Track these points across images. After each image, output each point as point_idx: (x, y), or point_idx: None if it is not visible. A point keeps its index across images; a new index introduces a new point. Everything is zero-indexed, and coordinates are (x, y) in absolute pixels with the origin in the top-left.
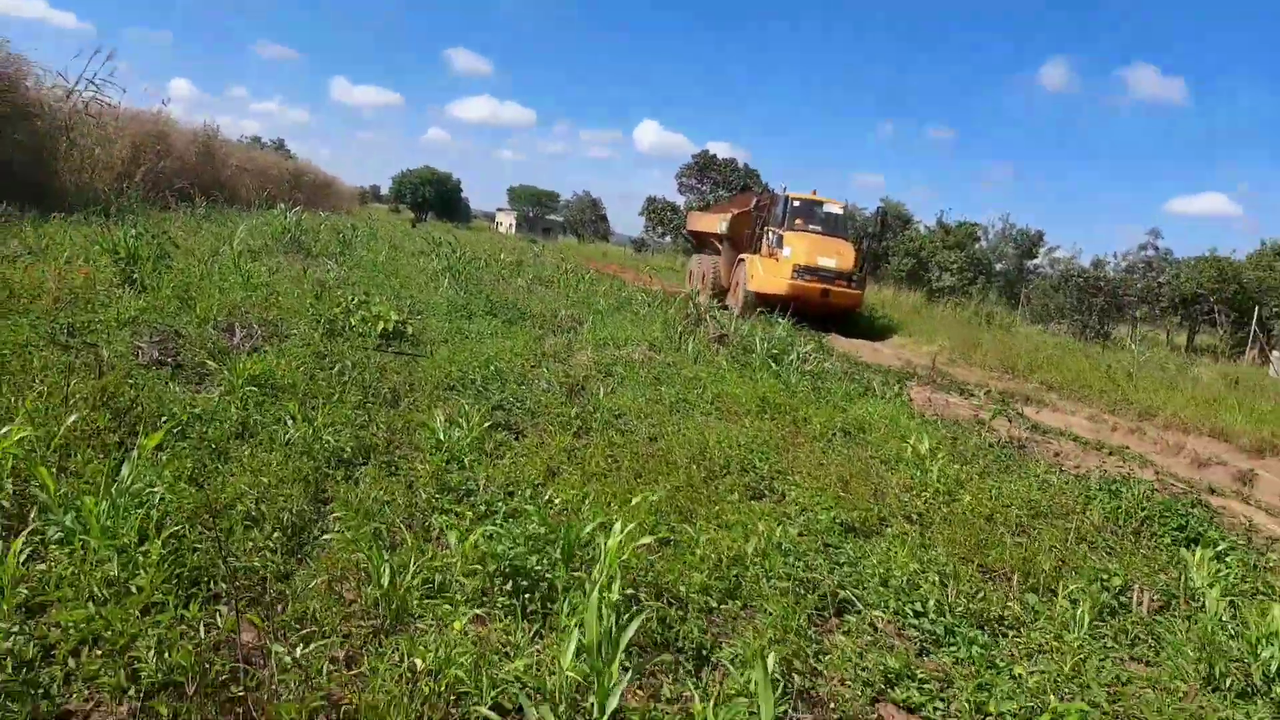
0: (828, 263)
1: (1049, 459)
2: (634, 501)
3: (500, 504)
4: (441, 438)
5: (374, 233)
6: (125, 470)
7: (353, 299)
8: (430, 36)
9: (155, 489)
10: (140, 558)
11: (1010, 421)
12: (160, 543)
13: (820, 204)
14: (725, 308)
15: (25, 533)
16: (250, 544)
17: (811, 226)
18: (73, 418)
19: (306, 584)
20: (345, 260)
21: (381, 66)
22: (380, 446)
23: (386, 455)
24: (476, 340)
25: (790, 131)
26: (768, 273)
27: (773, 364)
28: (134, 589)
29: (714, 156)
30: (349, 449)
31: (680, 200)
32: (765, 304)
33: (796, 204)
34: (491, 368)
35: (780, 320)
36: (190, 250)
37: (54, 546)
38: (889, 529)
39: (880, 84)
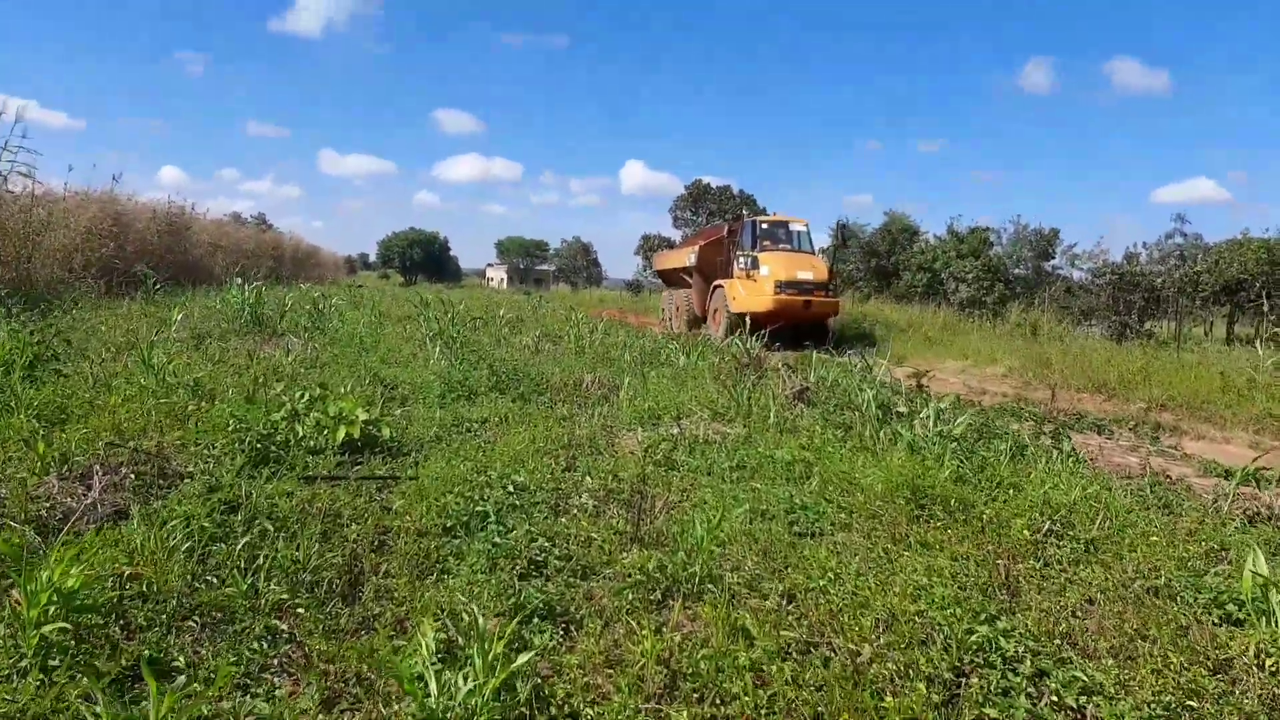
0: (805, 275)
1: None
2: None
3: None
4: (433, 692)
5: (357, 299)
6: None
7: (301, 395)
8: (418, 99)
9: None
10: None
11: (1264, 485)
12: None
13: (786, 224)
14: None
15: None
16: None
17: (780, 245)
18: None
19: None
20: (316, 336)
21: (370, 134)
22: None
23: None
24: (481, 434)
25: (776, 160)
26: (750, 293)
27: (893, 426)
28: None
29: (708, 186)
30: None
31: (677, 235)
32: (750, 324)
33: (764, 226)
34: (507, 485)
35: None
36: (105, 346)
37: None
38: None
39: (862, 104)
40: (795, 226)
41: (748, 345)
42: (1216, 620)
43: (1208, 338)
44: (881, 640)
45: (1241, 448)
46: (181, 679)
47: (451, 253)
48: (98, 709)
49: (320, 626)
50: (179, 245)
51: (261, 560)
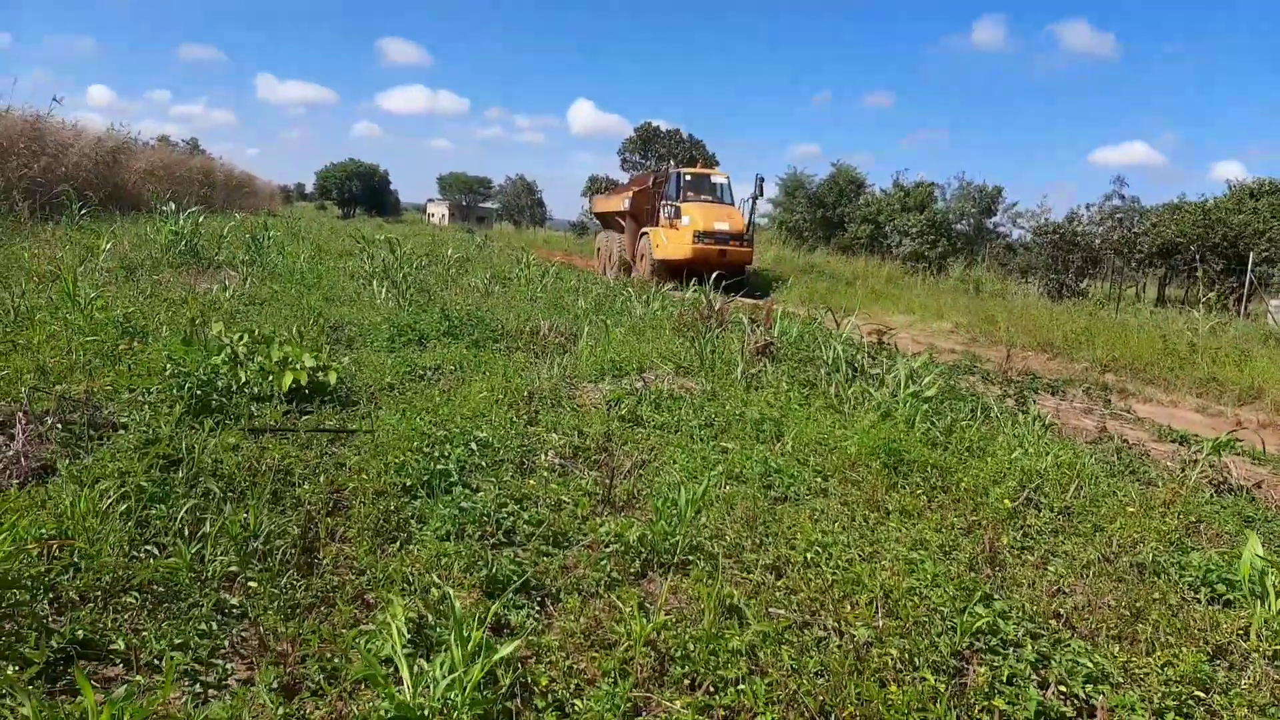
0: (722, 226)
1: None
2: None
3: None
4: (406, 684)
5: (296, 233)
6: None
7: (241, 338)
8: (362, 26)
9: None
10: None
11: (1222, 455)
12: None
13: (708, 176)
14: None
15: None
16: None
17: (703, 196)
18: None
19: None
20: (256, 270)
21: (310, 61)
22: None
23: None
24: (436, 383)
25: (728, 107)
26: (671, 241)
27: (861, 385)
28: None
29: (657, 129)
30: None
31: (625, 177)
32: (670, 270)
33: (688, 178)
34: (470, 441)
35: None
36: (27, 275)
37: None
38: None
39: (816, 55)
40: (717, 179)
41: (709, 296)
42: (1206, 600)
43: (1139, 299)
44: (880, 623)
45: (1188, 411)
46: (122, 690)
47: (392, 186)
48: (23, 709)
49: (275, 602)
50: (110, 171)
51: (208, 525)
